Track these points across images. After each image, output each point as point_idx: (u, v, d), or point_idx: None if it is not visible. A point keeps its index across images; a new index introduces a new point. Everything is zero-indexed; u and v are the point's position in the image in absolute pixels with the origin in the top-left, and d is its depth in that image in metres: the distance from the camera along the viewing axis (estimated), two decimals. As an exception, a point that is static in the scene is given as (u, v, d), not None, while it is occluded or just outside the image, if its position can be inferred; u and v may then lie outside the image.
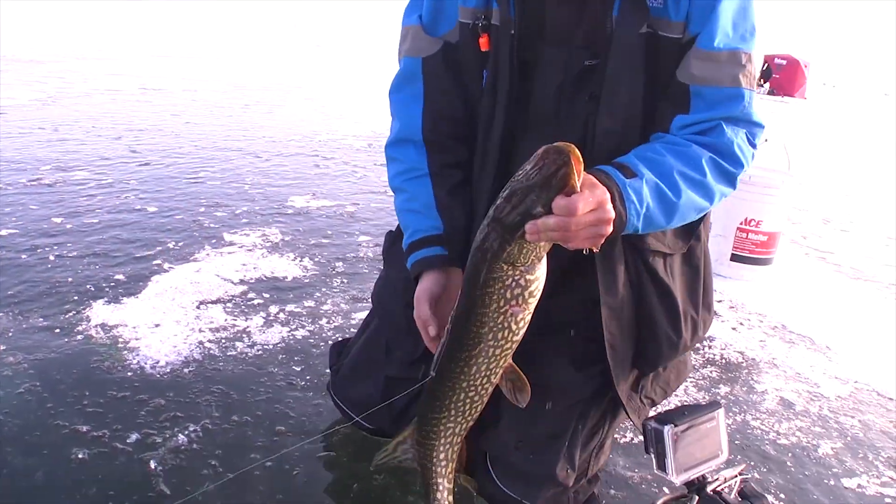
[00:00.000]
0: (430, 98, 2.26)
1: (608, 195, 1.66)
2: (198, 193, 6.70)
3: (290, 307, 4.37)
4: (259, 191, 6.98)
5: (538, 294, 1.78)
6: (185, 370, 3.55)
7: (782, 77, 50.89)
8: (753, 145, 2.04)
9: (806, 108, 40.07)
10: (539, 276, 1.76)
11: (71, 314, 4.06)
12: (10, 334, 3.77)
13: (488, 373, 1.88)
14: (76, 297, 4.27)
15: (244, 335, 3.97)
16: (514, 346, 1.86)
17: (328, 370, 3.14)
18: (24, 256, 4.84)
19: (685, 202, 1.88)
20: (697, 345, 2.50)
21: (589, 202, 1.59)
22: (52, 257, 4.85)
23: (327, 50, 36.20)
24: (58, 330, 3.86)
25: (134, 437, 2.99)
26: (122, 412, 3.16)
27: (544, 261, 1.75)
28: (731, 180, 2.00)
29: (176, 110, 11.69)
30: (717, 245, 5.74)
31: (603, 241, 1.70)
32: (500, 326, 1.80)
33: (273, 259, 5.13)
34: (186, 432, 3.05)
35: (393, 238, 2.65)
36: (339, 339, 3.33)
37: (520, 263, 1.71)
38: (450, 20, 2.22)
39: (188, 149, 8.72)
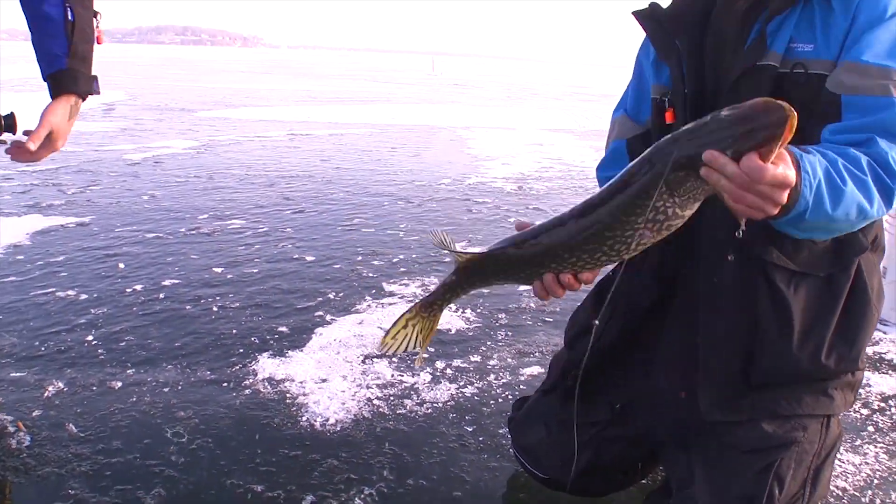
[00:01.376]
0: None
1: (795, 176, 1.58)
2: (354, 241, 6.67)
3: (456, 362, 4.22)
4: (414, 238, 6.90)
5: (673, 230, 1.74)
6: (356, 429, 3.43)
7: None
8: None
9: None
10: (685, 217, 1.71)
11: (237, 367, 4.02)
12: (180, 387, 3.75)
13: (572, 264, 1.88)
14: (241, 350, 4.24)
15: (412, 392, 3.83)
16: (618, 261, 1.89)
17: (500, 430, 3.16)
18: (188, 307, 4.87)
19: (850, 193, 1.73)
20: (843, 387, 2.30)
21: (777, 178, 1.51)
22: (215, 308, 4.86)
23: (466, 89, 36.64)
24: (225, 384, 3.82)
25: (309, 498, 2.88)
26: (296, 472, 3.07)
27: (697, 206, 1.70)
28: (888, 195, 1.83)
29: (325, 155, 11.90)
30: (893, 291, 5.17)
31: (765, 214, 1.61)
32: (622, 239, 1.77)
33: (434, 310, 5.00)
34: (362, 496, 2.92)
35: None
36: (509, 396, 3.46)
37: (678, 194, 1.65)
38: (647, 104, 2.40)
39: (340, 195, 8.78)
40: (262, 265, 5.81)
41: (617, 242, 1.77)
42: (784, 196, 1.56)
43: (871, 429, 3.80)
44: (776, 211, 1.59)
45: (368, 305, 5.04)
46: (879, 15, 1.91)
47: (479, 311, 5.04)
